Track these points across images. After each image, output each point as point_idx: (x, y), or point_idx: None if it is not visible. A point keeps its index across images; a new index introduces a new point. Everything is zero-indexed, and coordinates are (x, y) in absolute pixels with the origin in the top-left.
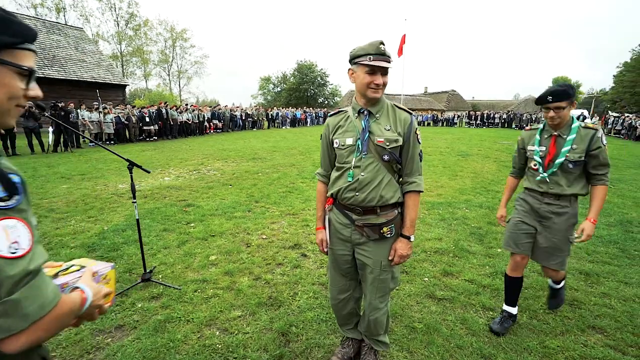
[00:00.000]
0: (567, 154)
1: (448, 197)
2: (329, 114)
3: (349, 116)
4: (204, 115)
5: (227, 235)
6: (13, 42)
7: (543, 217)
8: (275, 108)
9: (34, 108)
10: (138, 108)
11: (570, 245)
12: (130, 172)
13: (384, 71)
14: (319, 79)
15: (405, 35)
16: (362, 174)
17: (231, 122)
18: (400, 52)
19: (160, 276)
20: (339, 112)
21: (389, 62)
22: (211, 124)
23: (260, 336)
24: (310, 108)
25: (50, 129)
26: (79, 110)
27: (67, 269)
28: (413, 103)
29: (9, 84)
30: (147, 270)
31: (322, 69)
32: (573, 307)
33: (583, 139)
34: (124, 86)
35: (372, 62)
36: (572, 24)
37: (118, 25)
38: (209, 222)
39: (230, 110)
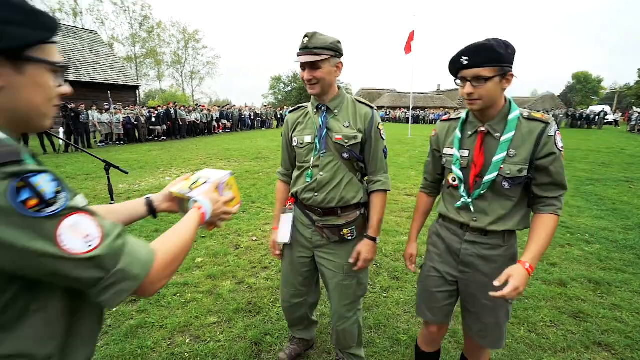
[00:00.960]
0: (502, 165)
1: None
2: (288, 110)
3: (308, 112)
4: (212, 115)
5: (218, 237)
6: (46, 37)
7: (465, 263)
8: (285, 107)
9: None
10: (147, 108)
11: (509, 307)
12: (107, 174)
13: (312, 65)
14: None
15: (413, 31)
16: (321, 173)
17: (240, 122)
18: (408, 49)
19: None
20: (299, 107)
21: (316, 54)
22: (220, 123)
23: (232, 345)
24: None
25: (61, 130)
26: (89, 112)
27: (195, 181)
28: (425, 101)
29: (47, 84)
30: None
31: None
32: (578, 320)
33: (526, 138)
34: (136, 87)
35: (297, 58)
36: (593, 17)
37: (132, 28)
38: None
39: (239, 110)
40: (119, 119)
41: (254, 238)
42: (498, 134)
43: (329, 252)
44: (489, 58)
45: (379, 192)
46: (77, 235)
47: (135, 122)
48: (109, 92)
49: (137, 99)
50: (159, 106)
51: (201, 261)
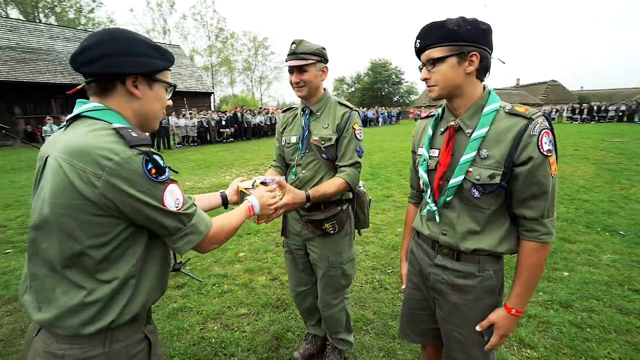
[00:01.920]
0: (470, 168)
1: None
2: (282, 110)
3: (296, 114)
4: (276, 118)
5: (262, 234)
6: (167, 65)
7: (434, 289)
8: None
9: None
10: (217, 113)
11: (490, 354)
12: None
13: (299, 69)
14: (393, 77)
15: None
16: (303, 171)
17: None
18: None
19: (189, 267)
20: (290, 109)
21: (302, 59)
22: None
23: (255, 337)
24: (383, 107)
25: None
26: (169, 117)
27: (254, 182)
28: (501, 98)
29: (163, 97)
30: (178, 261)
31: (396, 67)
32: None
33: (502, 137)
34: (210, 94)
35: (286, 62)
36: None
37: (209, 40)
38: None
39: None
40: (193, 123)
41: None
42: (469, 130)
43: (315, 244)
44: (438, 37)
45: (339, 179)
46: (172, 197)
47: (207, 126)
48: (184, 99)
49: (212, 105)
50: (228, 110)
51: (243, 256)
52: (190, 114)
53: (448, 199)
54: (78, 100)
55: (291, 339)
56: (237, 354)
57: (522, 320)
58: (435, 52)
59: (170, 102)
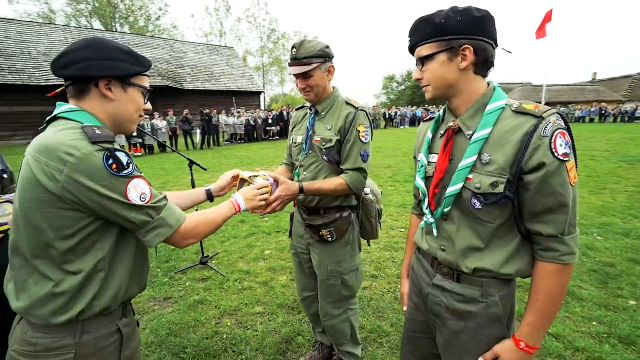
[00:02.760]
0: (469, 175)
1: None
2: (296, 108)
3: (306, 113)
4: None
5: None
6: (141, 70)
7: (432, 312)
8: (394, 107)
9: (189, 115)
10: (265, 111)
11: None
12: (190, 169)
13: (304, 75)
14: None
15: (551, 11)
16: (305, 173)
17: None
18: (541, 32)
19: (215, 261)
20: (302, 107)
21: (305, 64)
22: None
23: (266, 337)
24: (434, 106)
25: (198, 131)
26: (219, 115)
27: (256, 175)
28: (571, 94)
29: (137, 101)
30: (205, 255)
31: None
32: None
33: (507, 138)
34: (260, 93)
35: (289, 69)
36: None
37: (261, 41)
38: (281, 217)
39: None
40: (241, 121)
41: None
42: (470, 132)
43: (316, 250)
44: (425, 32)
45: (339, 179)
46: (136, 191)
47: (253, 124)
48: (233, 98)
49: (261, 103)
50: (274, 109)
51: (268, 253)
52: (238, 112)
53: (446, 209)
54: (57, 102)
55: (300, 343)
56: (245, 353)
57: (567, 353)
58: (423, 50)
59: (148, 106)
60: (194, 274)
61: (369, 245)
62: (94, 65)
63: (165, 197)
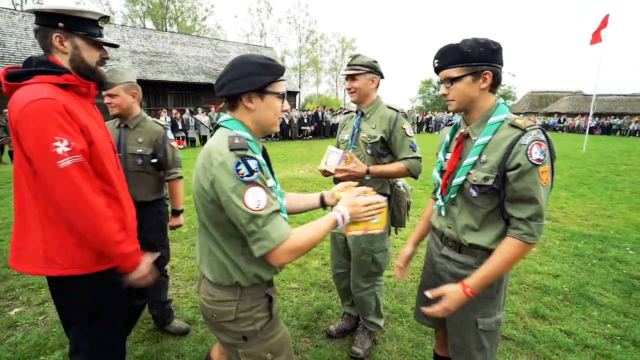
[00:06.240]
0: (470, 171)
1: (606, 230)
2: (345, 111)
3: (352, 117)
4: None
5: None
6: (275, 78)
7: (439, 276)
8: (429, 112)
9: None
10: (300, 111)
11: (483, 337)
12: None
13: (352, 77)
14: None
15: (607, 16)
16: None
17: None
18: (596, 38)
19: None
20: (349, 112)
21: (355, 69)
22: None
23: (300, 307)
24: None
25: None
26: None
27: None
28: (624, 105)
29: (274, 106)
30: None
31: None
32: None
33: (499, 145)
34: (296, 93)
35: (343, 71)
36: None
37: (300, 42)
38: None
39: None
40: None
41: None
42: (475, 137)
43: None
44: (454, 59)
45: (400, 163)
46: (254, 197)
47: (288, 123)
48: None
49: (297, 103)
50: (310, 109)
51: None
52: None
53: (452, 196)
54: (222, 113)
55: (330, 315)
56: (282, 317)
57: (577, 348)
58: (452, 72)
59: (286, 107)
60: None
61: (396, 233)
62: (236, 85)
63: (277, 211)
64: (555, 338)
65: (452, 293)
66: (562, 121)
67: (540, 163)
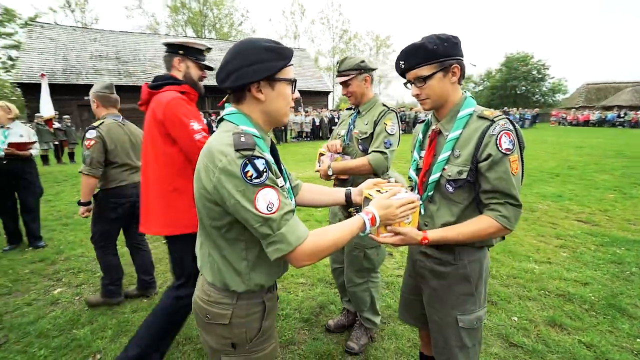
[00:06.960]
0: (445, 166)
1: None
2: (346, 108)
3: (351, 114)
4: None
5: None
6: (286, 63)
7: (419, 274)
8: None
9: None
10: (331, 111)
11: (464, 334)
12: None
13: (344, 83)
14: (534, 72)
15: None
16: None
17: (415, 124)
18: None
19: None
20: (350, 108)
21: (344, 75)
22: None
23: (304, 301)
24: (515, 108)
25: None
26: None
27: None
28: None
29: (285, 94)
30: None
31: (539, 61)
32: None
33: (471, 138)
34: (328, 93)
35: (336, 79)
36: None
37: (333, 41)
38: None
39: (416, 112)
40: (308, 120)
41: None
42: (447, 133)
43: None
44: (421, 57)
45: (363, 159)
46: (265, 201)
47: (319, 123)
48: (300, 98)
49: (330, 103)
50: (342, 109)
51: None
52: (306, 111)
53: (430, 193)
54: (226, 104)
55: (332, 310)
56: (286, 309)
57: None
58: (423, 71)
59: (296, 95)
60: None
61: None
62: (244, 74)
63: (292, 211)
64: (571, 349)
65: (411, 233)
66: (622, 115)
67: (509, 152)
